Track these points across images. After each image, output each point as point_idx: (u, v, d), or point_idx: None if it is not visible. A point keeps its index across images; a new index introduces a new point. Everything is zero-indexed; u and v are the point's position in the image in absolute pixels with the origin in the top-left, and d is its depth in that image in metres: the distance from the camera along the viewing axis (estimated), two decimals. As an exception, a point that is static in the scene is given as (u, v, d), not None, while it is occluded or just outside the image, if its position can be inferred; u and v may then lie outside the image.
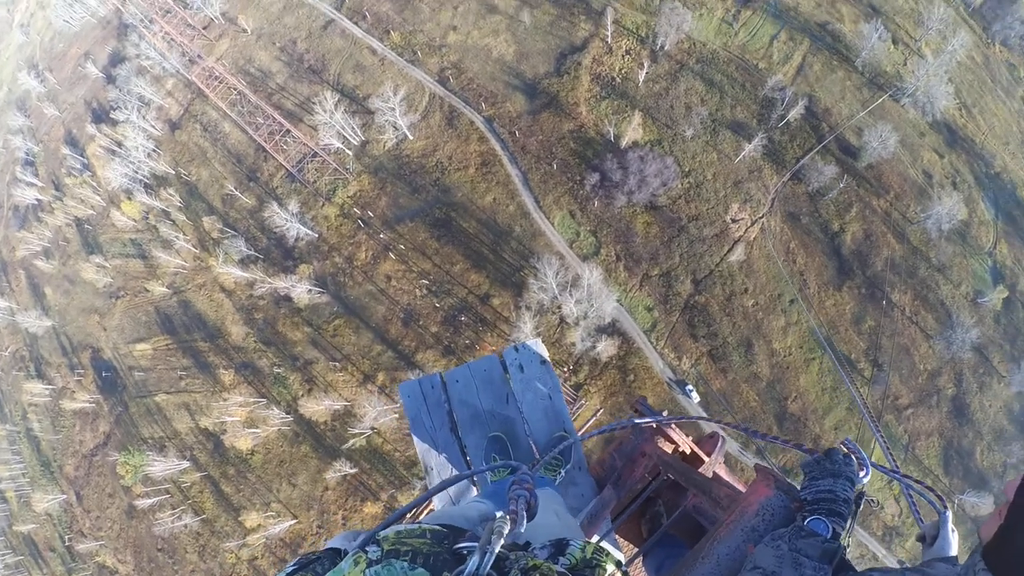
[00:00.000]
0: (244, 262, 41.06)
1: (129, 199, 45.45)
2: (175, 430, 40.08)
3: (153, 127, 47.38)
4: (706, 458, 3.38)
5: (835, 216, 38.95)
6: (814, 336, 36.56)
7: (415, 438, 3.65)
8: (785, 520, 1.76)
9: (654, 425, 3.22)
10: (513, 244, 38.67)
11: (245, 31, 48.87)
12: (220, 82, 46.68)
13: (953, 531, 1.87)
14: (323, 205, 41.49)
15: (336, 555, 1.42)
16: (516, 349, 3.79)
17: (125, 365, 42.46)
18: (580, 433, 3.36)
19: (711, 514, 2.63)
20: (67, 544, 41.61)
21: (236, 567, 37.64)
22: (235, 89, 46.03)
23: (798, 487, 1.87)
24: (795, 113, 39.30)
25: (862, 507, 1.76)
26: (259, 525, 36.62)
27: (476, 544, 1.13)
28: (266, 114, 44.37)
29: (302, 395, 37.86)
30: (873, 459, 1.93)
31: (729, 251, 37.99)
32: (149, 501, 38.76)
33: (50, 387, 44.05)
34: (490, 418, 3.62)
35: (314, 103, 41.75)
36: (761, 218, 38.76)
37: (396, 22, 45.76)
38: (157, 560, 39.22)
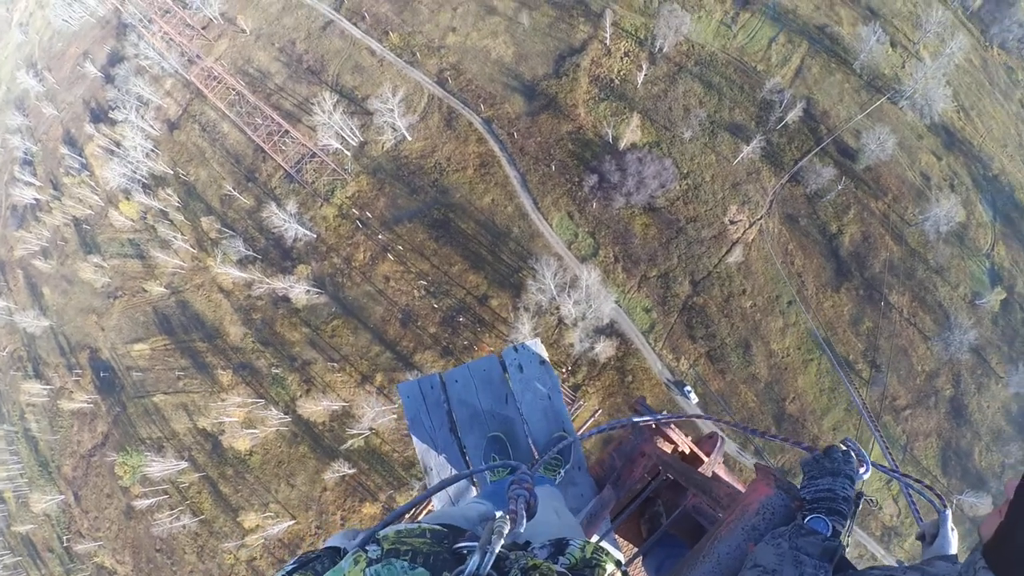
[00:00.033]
0: (242, 262, 41.01)
1: (127, 199, 45.40)
2: (173, 430, 40.00)
3: (151, 127, 47.33)
4: (705, 458, 3.38)
5: (833, 218, 39.03)
6: (812, 337, 36.61)
7: (414, 438, 3.65)
8: (785, 519, 1.76)
9: (653, 425, 3.22)
10: (511, 245, 38.67)
11: (244, 31, 48.86)
12: (219, 82, 46.66)
13: (953, 529, 1.87)
14: (321, 206, 41.46)
15: (335, 554, 1.41)
16: (515, 349, 3.78)
17: (123, 365, 42.36)
18: (579, 433, 3.36)
19: (710, 514, 2.63)
20: (65, 545, 41.48)
21: (234, 567, 37.56)
22: (234, 89, 46.01)
23: (798, 486, 1.87)
24: (793, 115, 39.37)
25: (861, 506, 1.77)
26: (257, 526, 36.55)
27: (476, 544, 1.13)
28: (265, 114, 44.35)
29: (300, 395, 37.81)
30: (872, 459, 1.93)
31: (727, 252, 38.03)
32: (147, 502, 38.67)
33: (48, 387, 43.94)
34: (489, 418, 3.62)
35: (313, 104, 41.75)
36: (759, 220, 38.81)
37: (395, 23, 45.78)
38: (155, 561, 39.12)
